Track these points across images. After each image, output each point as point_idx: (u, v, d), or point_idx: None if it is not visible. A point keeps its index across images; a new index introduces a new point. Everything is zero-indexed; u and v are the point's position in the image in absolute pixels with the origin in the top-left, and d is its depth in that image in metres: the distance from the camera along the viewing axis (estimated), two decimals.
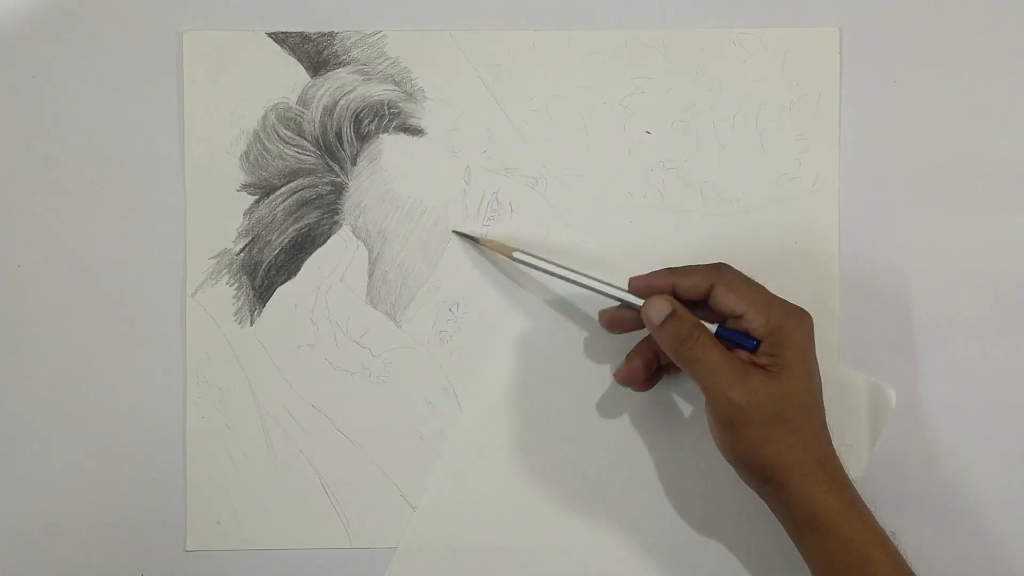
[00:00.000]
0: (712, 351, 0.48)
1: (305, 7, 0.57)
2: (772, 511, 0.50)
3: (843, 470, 0.49)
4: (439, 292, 0.57)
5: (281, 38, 0.57)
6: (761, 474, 0.48)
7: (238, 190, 0.57)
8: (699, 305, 0.51)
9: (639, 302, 0.51)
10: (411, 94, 0.57)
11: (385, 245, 0.57)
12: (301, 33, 0.57)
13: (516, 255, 0.54)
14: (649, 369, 0.53)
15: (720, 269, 0.50)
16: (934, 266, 0.57)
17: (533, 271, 0.54)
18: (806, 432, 0.48)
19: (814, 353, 0.50)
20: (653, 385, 0.54)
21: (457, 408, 0.57)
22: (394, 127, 0.57)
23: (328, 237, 0.57)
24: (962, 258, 0.57)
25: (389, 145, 0.57)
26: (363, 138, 0.57)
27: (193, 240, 0.57)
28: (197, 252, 0.57)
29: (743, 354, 0.49)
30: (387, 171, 0.57)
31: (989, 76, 0.57)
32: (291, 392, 0.57)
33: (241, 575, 0.57)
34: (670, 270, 0.51)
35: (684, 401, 0.57)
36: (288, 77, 0.57)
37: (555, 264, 0.53)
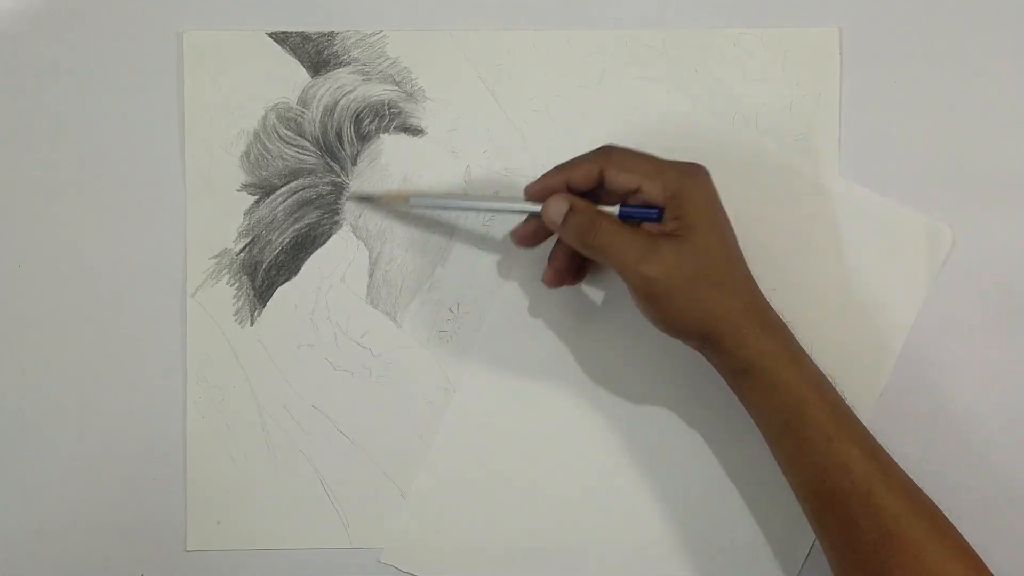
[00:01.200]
0: (616, 234, 0.49)
1: (305, 7, 0.57)
2: (712, 365, 0.50)
3: (774, 314, 0.49)
4: (439, 292, 0.57)
5: (281, 38, 0.57)
6: (695, 335, 0.49)
7: (238, 190, 0.57)
8: (598, 193, 0.51)
9: (538, 208, 0.51)
10: (411, 94, 0.57)
11: (385, 245, 0.57)
12: (301, 33, 0.57)
13: (412, 200, 0.54)
14: (572, 266, 0.53)
15: (606, 151, 0.50)
16: None
17: (436, 212, 0.55)
18: (727, 283, 0.48)
19: (719, 205, 0.49)
20: (582, 278, 0.54)
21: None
22: (394, 127, 0.57)
23: (328, 237, 0.57)
24: (962, 258, 0.57)
25: (389, 145, 0.57)
26: (363, 138, 0.57)
27: (193, 240, 0.57)
28: (197, 252, 0.57)
29: (651, 227, 0.49)
30: (387, 171, 0.57)
31: (989, 76, 0.57)
32: (291, 392, 0.57)
33: (241, 575, 0.57)
34: (559, 167, 0.51)
35: (680, 391, 0.57)
36: (288, 77, 0.57)
37: (451, 197, 0.54)
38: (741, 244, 0.50)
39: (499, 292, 0.57)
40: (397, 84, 0.57)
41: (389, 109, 0.57)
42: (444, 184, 0.57)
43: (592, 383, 0.57)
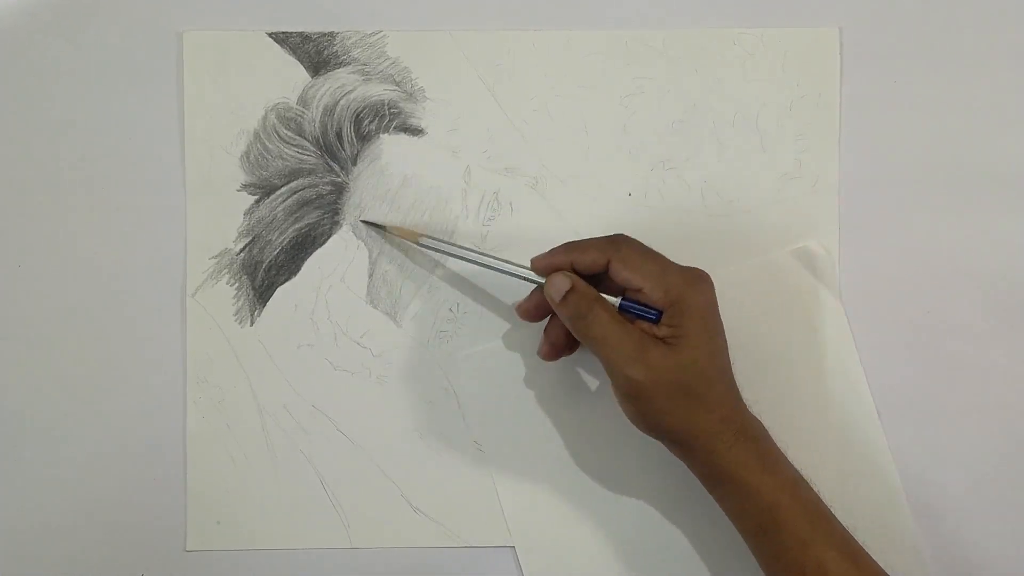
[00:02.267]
0: (610, 327, 0.49)
1: (305, 7, 0.57)
2: (688, 468, 0.51)
3: (752, 423, 0.50)
4: (439, 292, 0.57)
5: (281, 38, 0.57)
6: (667, 439, 0.50)
7: (238, 190, 0.57)
8: (602, 278, 0.51)
9: (542, 280, 0.51)
10: (411, 94, 0.57)
11: (385, 245, 0.57)
12: (301, 33, 0.57)
13: (422, 241, 0.54)
14: (569, 342, 0.53)
15: (616, 243, 0.50)
16: (934, 266, 0.57)
17: (440, 255, 0.55)
18: (707, 397, 0.48)
19: (715, 315, 0.50)
20: (575, 350, 0.54)
21: (457, 408, 0.57)
22: (394, 127, 0.57)
23: (328, 237, 0.57)
24: (962, 258, 0.57)
25: (389, 145, 0.57)
26: (363, 138, 0.57)
27: (193, 240, 0.57)
28: (197, 252, 0.57)
29: (646, 326, 0.49)
30: (387, 171, 0.57)
31: (989, 76, 0.57)
32: (291, 392, 0.57)
33: (241, 575, 0.57)
34: (569, 246, 0.51)
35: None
36: (288, 77, 0.57)
37: (460, 247, 0.53)
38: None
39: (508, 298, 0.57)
40: (397, 84, 0.57)
41: (389, 109, 0.57)
42: (444, 185, 0.57)
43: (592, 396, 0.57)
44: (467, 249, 0.53)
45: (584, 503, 0.57)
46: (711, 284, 0.50)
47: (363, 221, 0.57)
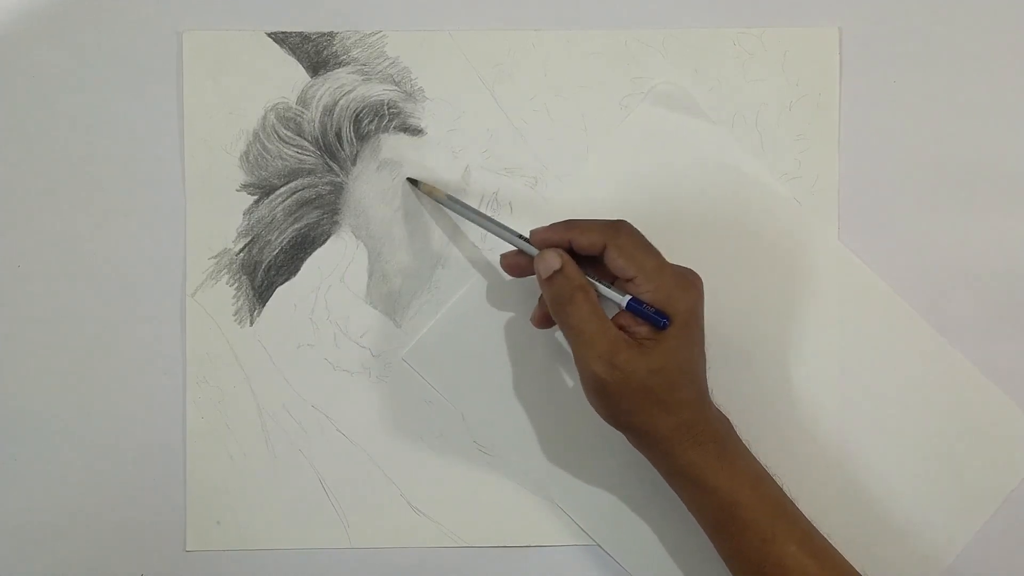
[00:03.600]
0: (587, 318, 0.49)
1: (305, 7, 0.57)
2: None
3: (714, 424, 0.50)
4: (439, 292, 0.57)
5: (281, 38, 0.57)
6: (627, 434, 0.50)
7: (238, 190, 0.57)
8: (599, 262, 0.51)
9: (536, 252, 0.51)
10: (411, 94, 0.57)
11: (385, 245, 0.57)
12: (301, 33, 0.57)
13: (446, 200, 0.55)
14: None
15: (616, 229, 0.50)
16: (933, 265, 0.57)
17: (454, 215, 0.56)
18: (669, 402, 0.48)
19: (697, 321, 0.50)
20: None
21: (457, 409, 0.57)
22: (394, 127, 0.57)
23: (328, 237, 0.57)
24: (961, 257, 0.57)
25: (389, 145, 0.57)
26: (363, 138, 0.57)
27: (193, 240, 0.57)
28: (197, 252, 0.57)
29: (626, 320, 0.49)
30: (387, 171, 0.57)
31: (989, 76, 0.57)
32: (291, 392, 0.57)
33: (241, 575, 0.57)
34: (570, 224, 0.51)
35: None
36: (288, 77, 0.57)
37: (474, 211, 0.54)
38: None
39: (509, 298, 0.57)
40: (397, 84, 0.57)
41: (389, 109, 0.57)
42: (444, 185, 0.57)
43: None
44: (479, 213, 0.54)
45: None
46: (700, 289, 0.50)
47: (408, 177, 0.57)
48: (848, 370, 0.57)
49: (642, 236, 0.50)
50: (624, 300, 0.49)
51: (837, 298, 0.57)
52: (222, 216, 0.57)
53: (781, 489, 0.50)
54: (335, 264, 0.57)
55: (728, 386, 0.56)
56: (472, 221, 0.54)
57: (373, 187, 0.57)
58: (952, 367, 0.57)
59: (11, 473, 0.57)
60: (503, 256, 0.53)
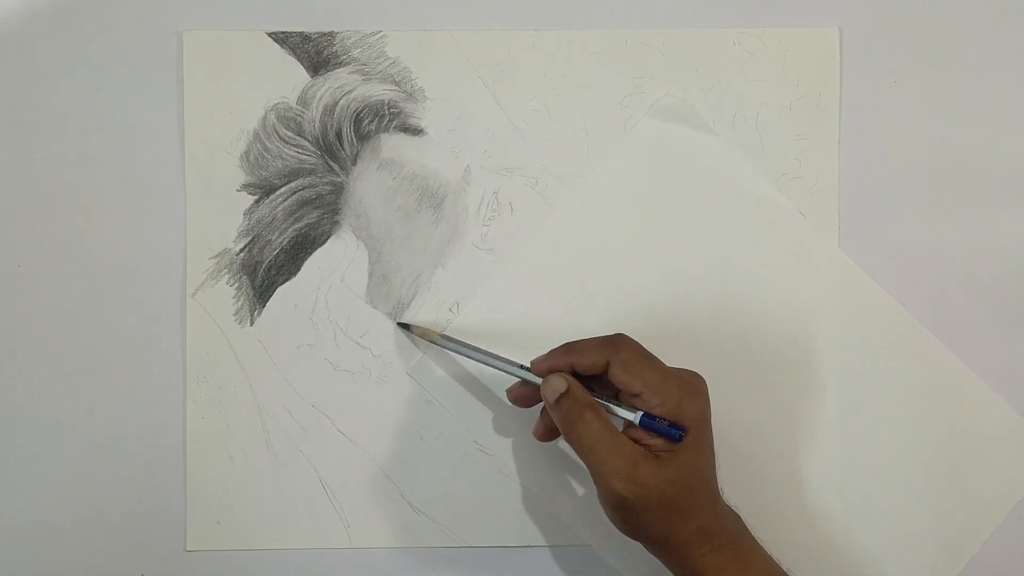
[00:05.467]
0: (600, 437, 0.49)
1: (305, 7, 0.57)
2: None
3: (728, 523, 0.50)
4: (439, 292, 0.57)
5: (281, 38, 0.57)
6: (644, 543, 0.50)
7: (238, 190, 0.57)
8: (602, 377, 0.51)
9: (539, 381, 0.51)
10: (411, 94, 0.57)
11: (385, 245, 0.57)
12: (301, 33, 0.57)
13: (440, 339, 0.55)
14: None
15: (615, 346, 0.50)
16: (934, 266, 0.57)
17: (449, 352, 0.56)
18: (688, 509, 0.48)
19: (707, 425, 0.50)
20: None
21: (458, 410, 0.57)
22: (394, 127, 0.57)
23: (328, 237, 0.57)
24: (962, 258, 0.57)
25: (389, 145, 0.57)
26: (363, 138, 0.57)
27: (193, 240, 0.57)
28: (197, 252, 0.57)
29: (639, 434, 0.49)
30: (387, 171, 0.57)
31: (989, 76, 0.57)
32: (291, 392, 0.57)
33: (241, 575, 0.57)
34: (568, 348, 0.51)
35: None
36: (288, 77, 0.57)
37: (472, 347, 0.54)
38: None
39: (509, 300, 0.57)
40: (397, 84, 0.57)
41: (389, 109, 0.57)
42: (444, 185, 0.57)
43: None
44: (477, 349, 0.54)
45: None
46: (706, 393, 0.50)
47: (399, 321, 0.57)
48: (851, 386, 0.57)
49: (641, 348, 0.50)
50: (637, 417, 0.49)
51: (839, 311, 0.57)
52: (222, 216, 0.57)
53: None
54: (335, 264, 0.57)
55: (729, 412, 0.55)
56: (471, 358, 0.54)
57: (373, 187, 0.57)
58: (953, 375, 0.57)
59: (11, 473, 0.57)
60: (508, 390, 0.53)
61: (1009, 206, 0.57)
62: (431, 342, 0.55)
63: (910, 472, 0.56)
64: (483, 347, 0.54)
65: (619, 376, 0.49)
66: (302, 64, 0.57)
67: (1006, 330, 0.57)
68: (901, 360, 0.57)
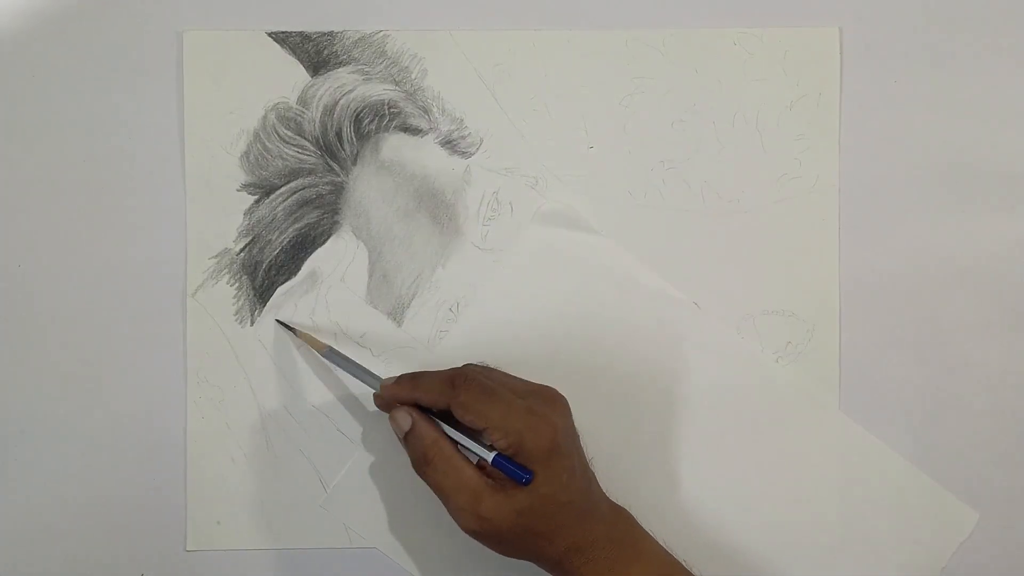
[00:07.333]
0: (445, 475, 0.49)
1: (305, 7, 0.57)
2: None
3: (611, 533, 0.50)
4: (439, 292, 0.57)
5: (281, 38, 0.57)
6: (523, 561, 0.50)
7: (238, 190, 0.57)
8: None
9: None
10: (411, 94, 0.57)
11: (385, 245, 0.57)
12: (301, 33, 0.57)
13: (325, 353, 0.55)
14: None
15: (455, 387, 0.50)
16: (934, 266, 0.57)
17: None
18: (550, 532, 0.49)
19: (559, 450, 0.49)
20: None
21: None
22: (394, 127, 0.57)
23: (328, 237, 0.57)
24: (962, 258, 0.57)
25: (389, 145, 0.57)
26: (363, 138, 0.57)
27: (193, 240, 0.57)
28: (197, 252, 0.57)
29: (495, 471, 0.49)
30: (387, 171, 0.57)
31: (989, 76, 0.58)
32: (291, 392, 0.57)
33: (241, 575, 0.57)
34: (414, 381, 0.51)
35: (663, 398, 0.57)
36: (288, 77, 0.57)
37: (352, 365, 0.54)
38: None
39: (509, 299, 0.57)
40: (397, 84, 0.57)
41: (389, 109, 0.57)
42: (444, 185, 0.57)
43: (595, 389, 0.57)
44: (356, 367, 0.54)
45: None
46: (561, 410, 0.50)
47: (277, 319, 0.57)
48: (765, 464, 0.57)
49: (482, 383, 0.50)
50: (490, 457, 0.49)
51: (729, 386, 0.57)
52: (222, 216, 0.57)
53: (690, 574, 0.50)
54: (335, 264, 0.57)
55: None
56: (350, 373, 0.54)
57: (373, 187, 0.57)
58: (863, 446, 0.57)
59: (11, 473, 0.57)
60: (375, 397, 0.53)
61: (1009, 206, 0.57)
62: (320, 353, 0.55)
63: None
64: (371, 367, 0.55)
65: (462, 416, 0.49)
66: (302, 64, 0.57)
67: (1006, 330, 0.57)
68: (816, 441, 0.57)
